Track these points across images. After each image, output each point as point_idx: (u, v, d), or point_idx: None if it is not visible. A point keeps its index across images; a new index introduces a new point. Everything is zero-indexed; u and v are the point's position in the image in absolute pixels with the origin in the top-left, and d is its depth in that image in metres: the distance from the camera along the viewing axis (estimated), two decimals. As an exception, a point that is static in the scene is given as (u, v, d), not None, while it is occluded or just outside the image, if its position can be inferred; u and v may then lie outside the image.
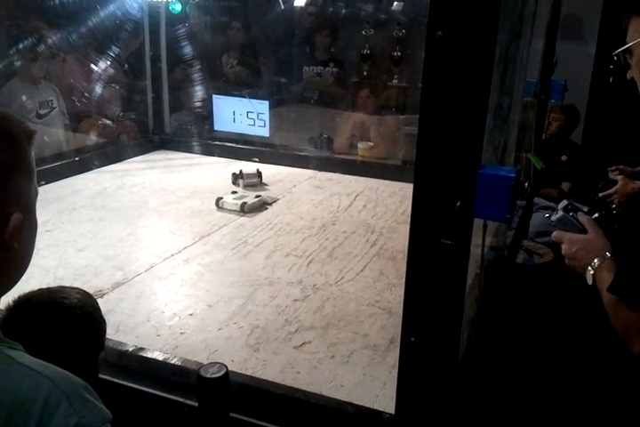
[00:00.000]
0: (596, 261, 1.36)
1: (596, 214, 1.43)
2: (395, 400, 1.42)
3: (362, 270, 2.46)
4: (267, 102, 3.80)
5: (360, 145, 3.99)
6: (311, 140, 4.23)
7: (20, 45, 3.55)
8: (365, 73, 4.52)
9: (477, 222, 1.29)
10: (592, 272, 1.36)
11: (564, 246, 1.44)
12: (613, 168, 2.60)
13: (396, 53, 4.45)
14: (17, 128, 0.92)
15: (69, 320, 1.28)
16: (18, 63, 3.56)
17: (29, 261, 0.96)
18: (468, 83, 1.09)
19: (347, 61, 4.64)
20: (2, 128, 0.90)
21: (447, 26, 1.04)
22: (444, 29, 1.04)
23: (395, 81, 4.59)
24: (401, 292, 2.26)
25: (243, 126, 3.86)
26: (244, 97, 3.81)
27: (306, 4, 4.51)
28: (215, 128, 4.00)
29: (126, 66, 3.99)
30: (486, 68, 1.10)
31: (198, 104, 4.11)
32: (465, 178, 1.14)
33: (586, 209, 1.44)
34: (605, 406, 2.29)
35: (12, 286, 0.94)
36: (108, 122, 4.02)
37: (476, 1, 1.03)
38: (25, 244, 0.92)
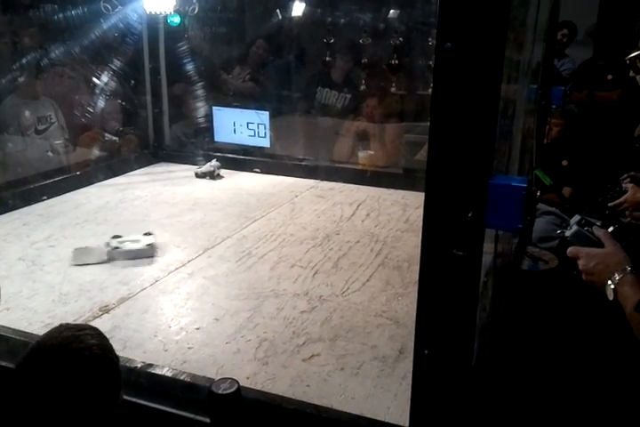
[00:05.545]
0: (616, 275, 1.31)
1: (611, 228, 1.40)
2: (407, 412, 1.41)
3: (368, 280, 2.45)
4: (267, 113, 3.80)
5: (361, 154, 3.99)
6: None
7: (17, 61, 3.55)
8: (364, 81, 4.54)
9: (488, 232, 1.28)
10: (613, 287, 1.31)
11: (581, 262, 1.40)
12: (625, 176, 2.53)
13: (393, 61, 4.47)
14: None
15: (94, 373, 1.20)
16: (15, 79, 3.55)
17: None
18: (478, 93, 1.08)
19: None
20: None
21: (456, 37, 1.04)
22: (452, 41, 1.04)
23: (393, 89, 4.60)
24: (407, 301, 2.28)
25: (243, 137, 3.86)
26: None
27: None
28: (215, 139, 4.00)
29: (125, 79, 3.99)
30: (495, 78, 1.09)
31: (199, 117, 4.11)
32: (476, 188, 1.13)
33: (599, 223, 1.41)
34: (616, 412, 2.27)
35: None
36: (109, 135, 4.01)
37: (485, 12, 1.03)
38: None
